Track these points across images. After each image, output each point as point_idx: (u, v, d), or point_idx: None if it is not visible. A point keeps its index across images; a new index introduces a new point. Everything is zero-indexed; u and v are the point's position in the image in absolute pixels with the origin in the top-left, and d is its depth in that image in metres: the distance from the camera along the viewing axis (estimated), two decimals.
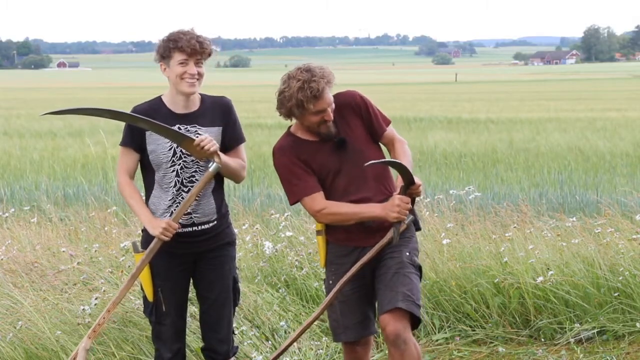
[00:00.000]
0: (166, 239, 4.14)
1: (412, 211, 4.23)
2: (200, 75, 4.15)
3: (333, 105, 4.12)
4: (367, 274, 4.23)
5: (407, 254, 4.20)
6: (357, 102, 4.22)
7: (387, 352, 5.54)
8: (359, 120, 4.21)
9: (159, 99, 4.26)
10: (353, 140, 4.17)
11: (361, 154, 4.13)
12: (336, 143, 4.15)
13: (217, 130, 4.25)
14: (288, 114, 4.11)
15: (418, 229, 4.36)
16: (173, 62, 4.12)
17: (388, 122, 4.30)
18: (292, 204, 4.25)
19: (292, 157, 4.15)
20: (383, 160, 4.11)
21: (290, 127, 4.26)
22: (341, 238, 4.22)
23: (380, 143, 4.30)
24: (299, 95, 4.01)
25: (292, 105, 4.04)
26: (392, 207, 4.05)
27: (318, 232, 4.30)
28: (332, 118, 4.11)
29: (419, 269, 4.26)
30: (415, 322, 4.12)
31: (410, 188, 4.10)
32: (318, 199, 4.13)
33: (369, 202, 4.14)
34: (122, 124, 4.27)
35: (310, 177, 4.14)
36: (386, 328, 4.05)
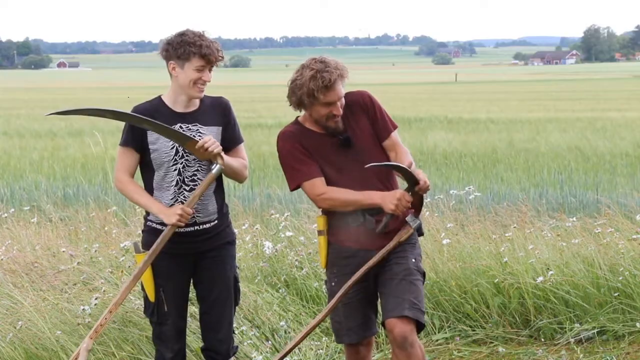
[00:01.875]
0: (182, 224, 4.13)
1: (417, 216, 4.22)
2: (210, 80, 4.18)
3: (343, 101, 4.12)
4: (370, 276, 4.21)
5: (413, 260, 4.20)
6: (365, 101, 4.22)
7: (387, 352, 5.55)
8: (367, 120, 4.21)
9: (159, 99, 4.26)
10: (359, 139, 4.16)
11: (366, 154, 4.12)
12: (341, 140, 4.15)
13: (217, 129, 4.25)
14: (298, 103, 4.10)
15: (421, 234, 4.35)
16: (189, 65, 4.11)
17: (395, 127, 4.29)
18: (292, 189, 4.23)
19: (295, 143, 4.15)
20: (385, 163, 4.10)
21: (298, 117, 4.25)
22: (343, 239, 4.20)
23: (383, 146, 4.28)
24: (310, 84, 4.01)
25: (303, 93, 4.04)
26: (392, 198, 4.05)
27: (320, 232, 4.28)
28: (341, 113, 4.11)
29: (423, 275, 4.27)
30: (419, 326, 4.13)
31: (416, 187, 4.10)
32: (318, 184, 4.12)
33: None
34: (122, 125, 4.27)
35: (312, 163, 4.13)
36: (393, 330, 4.05)
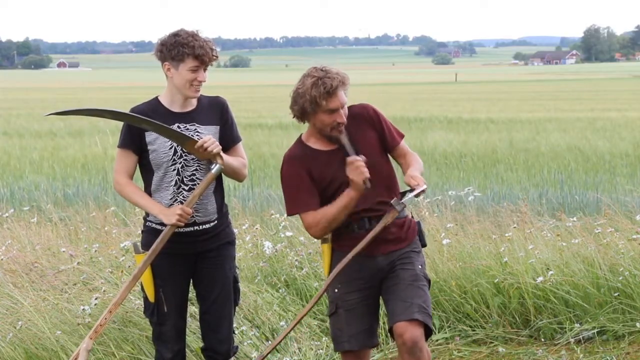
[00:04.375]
0: (182, 224, 4.13)
1: (402, 196, 4.19)
2: (205, 80, 4.17)
3: (346, 109, 4.09)
4: (376, 283, 4.20)
5: (419, 267, 4.20)
6: (370, 114, 4.19)
7: (387, 352, 5.55)
8: (373, 132, 4.18)
9: (155, 100, 4.26)
10: (365, 151, 4.12)
11: (372, 166, 4.08)
12: (347, 154, 4.12)
13: (215, 129, 4.25)
14: (301, 112, 4.07)
15: (424, 245, 4.34)
16: (183, 66, 4.10)
17: (401, 136, 4.27)
18: (289, 215, 4.23)
19: (299, 169, 4.11)
20: (417, 191, 4.05)
21: (301, 135, 4.22)
22: (348, 246, 4.17)
23: (391, 156, 4.26)
24: (312, 91, 3.98)
25: (305, 101, 4.01)
26: (355, 176, 4.00)
27: (323, 240, 4.26)
28: (345, 121, 4.08)
29: (429, 282, 4.27)
30: (427, 332, 4.12)
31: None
32: (310, 216, 4.11)
33: (378, 210, 4.12)
34: (121, 125, 4.27)
35: (308, 194, 4.11)
36: (404, 335, 4.02)
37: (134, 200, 4.24)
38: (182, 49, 4.08)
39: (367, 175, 4.01)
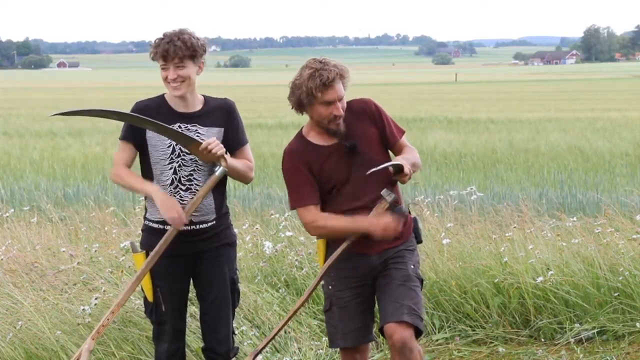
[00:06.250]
0: (182, 226, 4.13)
1: (396, 193, 4.17)
2: (183, 77, 4.12)
3: (345, 103, 4.08)
4: (369, 281, 4.20)
5: (412, 266, 4.19)
6: (372, 109, 4.18)
7: (387, 352, 5.55)
8: (374, 127, 4.17)
9: (161, 97, 4.27)
10: (365, 146, 4.12)
11: (372, 161, 4.08)
12: (348, 147, 4.11)
13: (219, 130, 4.24)
14: (298, 104, 4.06)
15: (419, 241, 4.34)
16: (159, 65, 4.16)
17: (402, 132, 4.26)
18: (291, 209, 4.25)
19: (298, 164, 4.11)
20: (380, 166, 4.05)
21: (302, 128, 4.23)
22: (342, 241, 4.16)
23: (391, 152, 4.25)
24: (309, 83, 3.97)
25: (302, 92, 4.00)
26: (378, 225, 4.03)
27: (319, 235, 4.28)
28: (342, 114, 4.06)
29: (421, 281, 4.26)
30: (417, 333, 4.12)
31: (398, 175, 4.08)
32: (312, 211, 4.10)
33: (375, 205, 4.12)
34: (122, 124, 4.27)
35: (310, 188, 4.10)
36: (393, 336, 4.03)
37: (130, 184, 4.19)
38: (151, 49, 4.17)
39: (395, 232, 4.05)
